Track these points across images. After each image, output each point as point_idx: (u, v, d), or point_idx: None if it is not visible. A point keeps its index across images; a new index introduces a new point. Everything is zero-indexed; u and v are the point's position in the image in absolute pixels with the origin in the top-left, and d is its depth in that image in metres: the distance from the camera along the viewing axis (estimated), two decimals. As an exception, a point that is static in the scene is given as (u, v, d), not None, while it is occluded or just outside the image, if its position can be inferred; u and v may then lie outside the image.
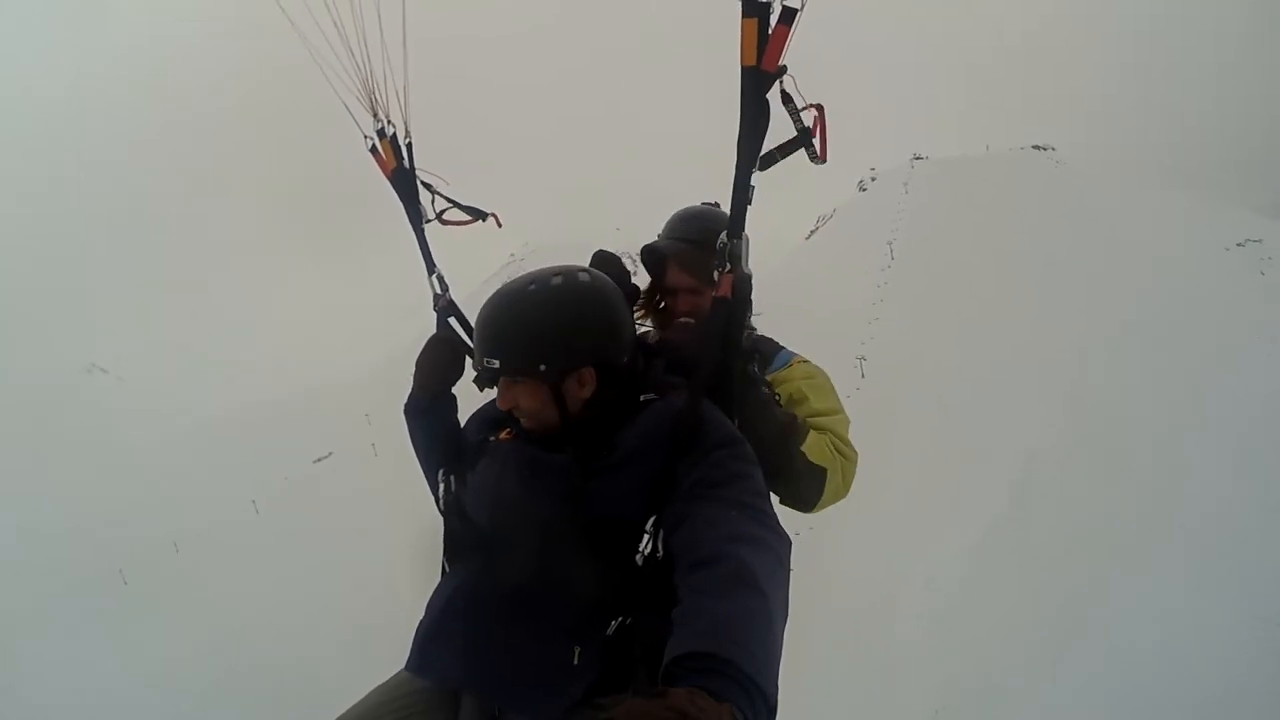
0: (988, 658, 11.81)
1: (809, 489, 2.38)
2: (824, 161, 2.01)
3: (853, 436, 2.51)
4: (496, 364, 1.93)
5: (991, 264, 28.67)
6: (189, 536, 37.05)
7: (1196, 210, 35.05)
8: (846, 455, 2.47)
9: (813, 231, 46.84)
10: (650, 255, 2.74)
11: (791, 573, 1.75)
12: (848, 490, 2.49)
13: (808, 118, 1.96)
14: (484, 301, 2.03)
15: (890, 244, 32.60)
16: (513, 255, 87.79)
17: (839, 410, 2.59)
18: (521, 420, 1.99)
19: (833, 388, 2.67)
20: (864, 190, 45.02)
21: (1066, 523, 14.95)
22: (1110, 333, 23.41)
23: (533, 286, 1.98)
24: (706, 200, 2.96)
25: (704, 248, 2.51)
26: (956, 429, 19.40)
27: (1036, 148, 44.63)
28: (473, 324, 2.26)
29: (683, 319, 2.61)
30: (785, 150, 2.02)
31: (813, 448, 2.36)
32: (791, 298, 31.20)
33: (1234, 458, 16.99)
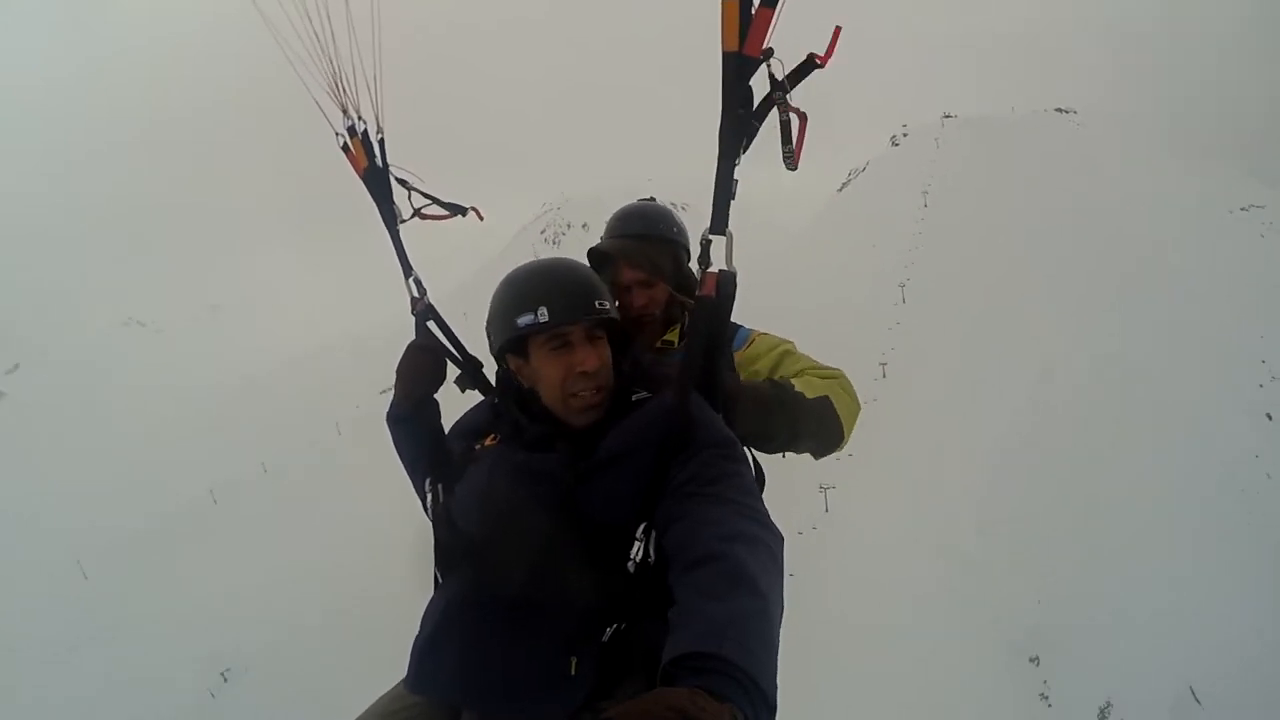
0: (1019, 491, 15.84)
1: (828, 423, 2.35)
2: (795, 168, 1.84)
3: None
4: (608, 306, 1.95)
5: (1018, 210, 31.02)
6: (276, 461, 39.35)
7: (1206, 175, 36.55)
8: (833, 375, 2.47)
9: (845, 184, 49.10)
10: (598, 258, 2.68)
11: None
12: (858, 404, 2.49)
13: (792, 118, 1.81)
14: (516, 270, 2.03)
15: (925, 192, 35.02)
16: (546, 205, 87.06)
17: (806, 357, 2.59)
18: (589, 388, 1.92)
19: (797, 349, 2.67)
20: (896, 145, 47.07)
21: (1076, 410, 18.94)
22: (1120, 271, 26.03)
23: (568, 260, 2.07)
24: (643, 196, 3.02)
25: (649, 240, 2.70)
26: (984, 338, 22.92)
27: (1059, 110, 46.15)
28: (453, 324, 2.46)
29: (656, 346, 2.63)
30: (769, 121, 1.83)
31: (803, 387, 2.36)
32: (831, 235, 34.21)
33: (1219, 374, 20.74)
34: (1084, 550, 14.61)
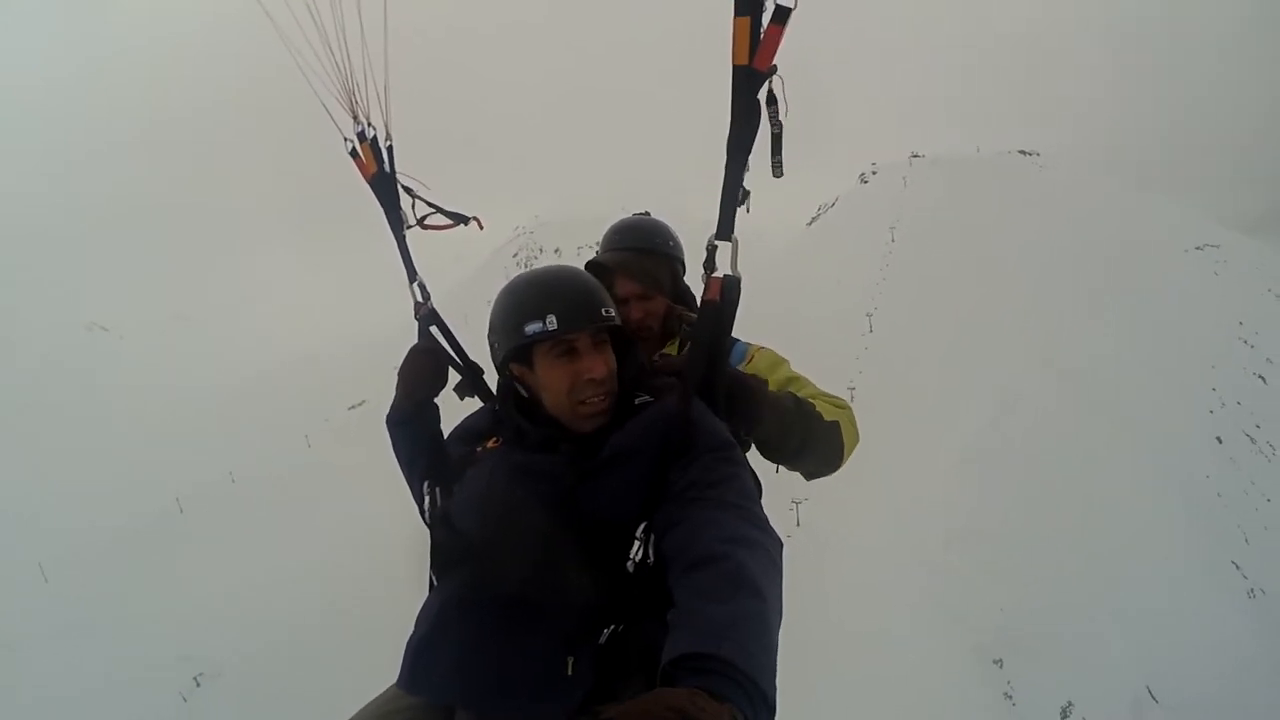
0: (987, 503, 16.67)
1: (834, 447, 2.44)
2: (781, 175, 1.99)
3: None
4: (613, 313, 2.02)
5: (984, 247, 31.94)
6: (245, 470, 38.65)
7: (1165, 215, 37.86)
8: (842, 405, 2.56)
9: (814, 219, 50.16)
10: (595, 271, 2.57)
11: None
12: (859, 437, 2.55)
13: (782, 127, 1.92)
14: (519, 278, 2.10)
15: (893, 228, 35.81)
16: (519, 228, 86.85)
17: (811, 381, 2.67)
18: (597, 394, 1.99)
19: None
20: (865, 182, 48.02)
21: (1036, 430, 20.19)
22: (1079, 304, 27.24)
23: (571, 268, 2.14)
24: (638, 210, 3.08)
25: (646, 254, 2.77)
26: (948, 364, 23.95)
27: (1022, 153, 47.27)
28: (456, 327, 2.54)
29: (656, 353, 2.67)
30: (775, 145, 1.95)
31: (820, 409, 2.44)
32: (801, 268, 35.06)
33: (1172, 393, 22.57)
34: (1054, 555, 15.65)
